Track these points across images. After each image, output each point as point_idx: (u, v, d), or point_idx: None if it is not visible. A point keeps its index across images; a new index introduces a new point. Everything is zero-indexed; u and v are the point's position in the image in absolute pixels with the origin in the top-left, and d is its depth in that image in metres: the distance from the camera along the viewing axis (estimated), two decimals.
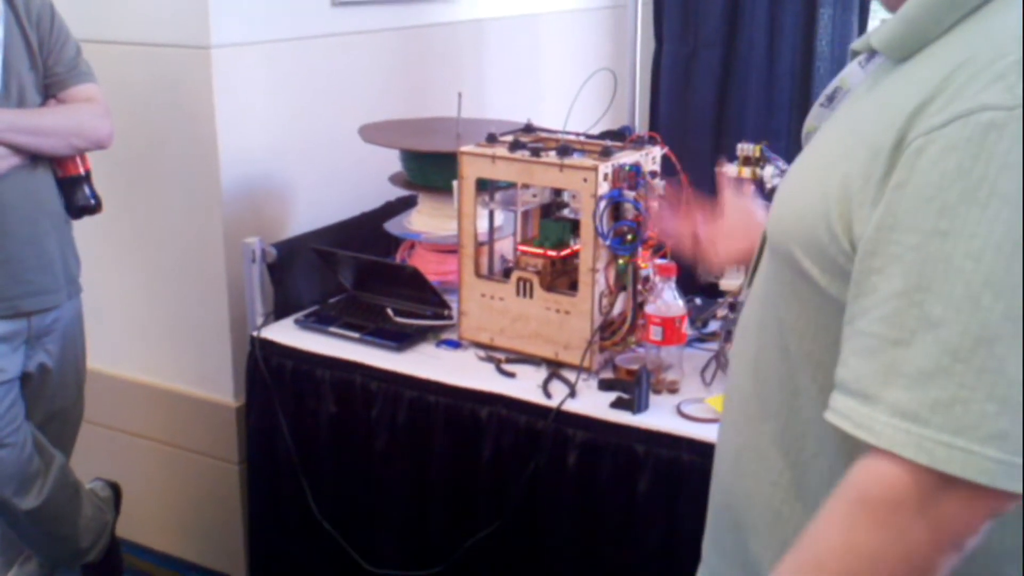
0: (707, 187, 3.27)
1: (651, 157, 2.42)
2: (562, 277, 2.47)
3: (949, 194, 0.95)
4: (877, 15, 3.93)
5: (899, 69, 1.11)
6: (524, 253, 2.48)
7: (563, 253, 2.46)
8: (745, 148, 2.43)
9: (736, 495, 1.32)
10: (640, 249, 2.35)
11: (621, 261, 2.36)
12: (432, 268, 2.77)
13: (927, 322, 0.95)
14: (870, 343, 1.00)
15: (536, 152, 2.37)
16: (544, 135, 2.55)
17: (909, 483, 0.96)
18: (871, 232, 1.01)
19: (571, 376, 2.35)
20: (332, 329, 2.65)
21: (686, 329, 2.33)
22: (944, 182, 0.95)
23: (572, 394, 2.29)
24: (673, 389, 2.31)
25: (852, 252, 1.04)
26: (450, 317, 2.63)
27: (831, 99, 1.32)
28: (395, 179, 2.95)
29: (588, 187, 2.28)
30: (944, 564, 0.98)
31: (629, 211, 2.32)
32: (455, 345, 2.57)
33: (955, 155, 0.95)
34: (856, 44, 1.26)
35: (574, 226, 2.48)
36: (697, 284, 2.59)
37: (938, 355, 0.94)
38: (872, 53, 1.22)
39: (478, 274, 2.51)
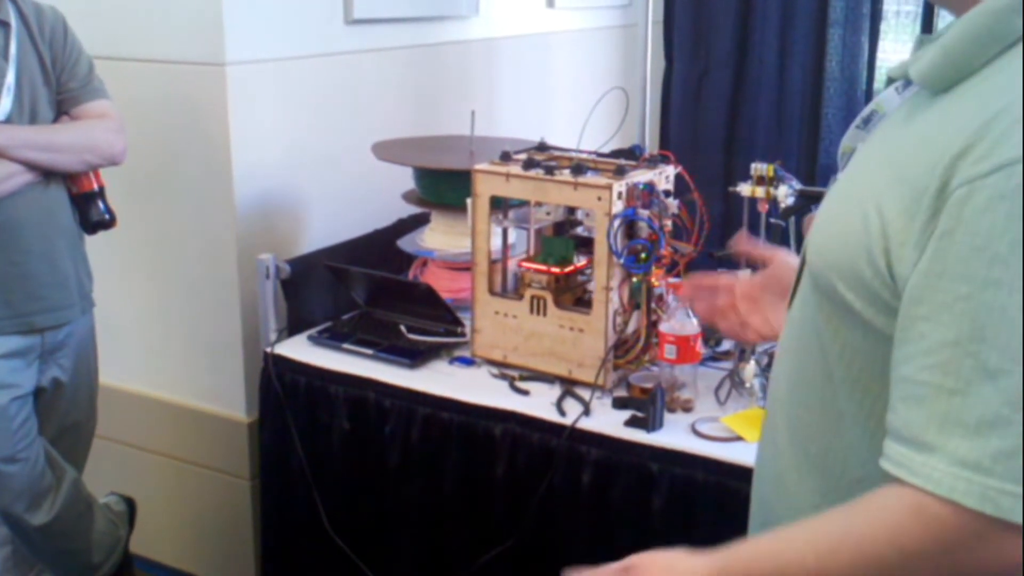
0: (717, 205, 3.30)
1: (664, 176, 2.42)
2: (566, 293, 2.48)
3: (1000, 244, 0.95)
4: (887, 36, 3.94)
5: (938, 101, 1.10)
6: (528, 270, 2.48)
7: (567, 270, 2.47)
8: (759, 168, 2.44)
9: (778, 516, 1.31)
10: (654, 267, 2.35)
11: (635, 279, 2.37)
12: (445, 285, 2.78)
13: (984, 372, 0.96)
14: (921, 391, 1.01)
15: (550, 170, 2.38)
16: (558, 153, 2.56)
17: (966, 526, 0.98)
18: (918, 279, 1.01)
19: (585, 394, 2.35)
20: (345, 345, 2.65)
21: (700, 348, 2.33)
22: (995, 232, 0.96)
23: (586, 412, 2.29)
24: (687, 408, 2.31)
25: (894, 285, 1.05)
26: (463, 334, 2.63)
27: (867, 121, 1.32)
28: (408, 196, 2.96)
29: (602, 205, 2.29)
30: None
31: (643, 229, 2.33)
32: (468, 362, 2.57)
33: (1004, 205, 0.95)
34: (893, 71, 1.25)
35: (578, 243, 2.49)
36: None
37: (998, 405, 0.95)
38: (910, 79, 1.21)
39: (491, 292, 2.52)
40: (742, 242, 1.75)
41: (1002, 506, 0.95)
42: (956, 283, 0.98)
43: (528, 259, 2.52)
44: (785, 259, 1.67)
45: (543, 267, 2.46)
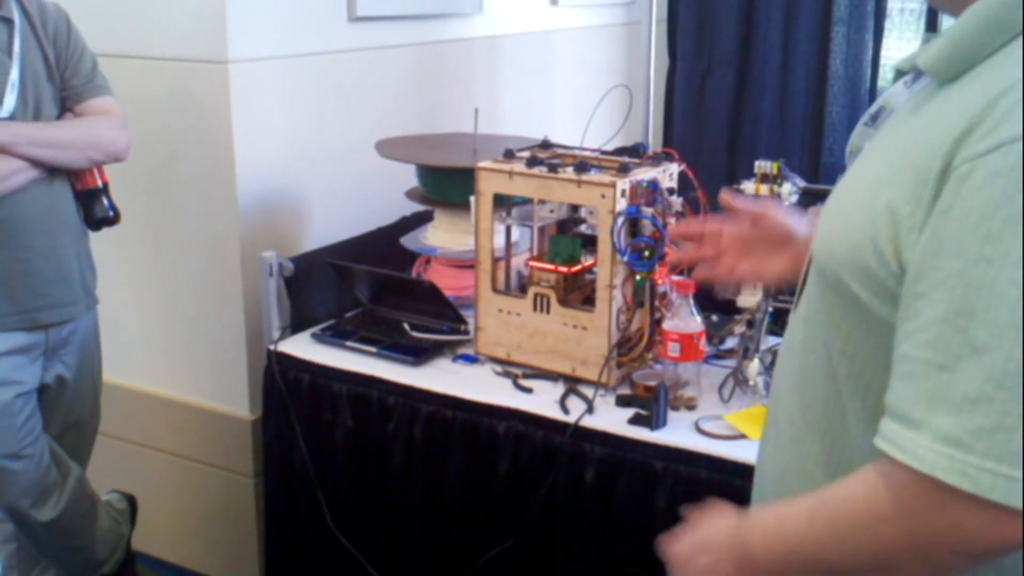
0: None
1: (668, 174, 2.42)
2: (574, 292, 2.47)
3: (993, 221, 0.95)
4: (891, 34, 3.94)
5: (945, 91, 1.11)
6: (536, 269, 2.48)
7: (575, 269, 2.46)
8: (763, 165, 2.43)
9: None
10: (657, 265, 2.35)
11: (639, 277, 2.36)
12: (448, 283, 2.78)
13: (970, 348, 0.96)
14: (914, 367, 1.01)
15: (554, 168, 2.37)
16: (561, 151, 2.56)
17: (945, 502, 0.98)
18: (917, 256, 1.01)
19: (588, 392, 2.35)
20: (349, 343, 2.65)
21: (703, 346, 2.33)
22: (989, 209, 0.96)
23: (590, 410, 2.29)
24: (691, 406, 2.31)
25: (902, 275, 1.05)
26: (467, 332, 2.63)
27: (875, 118, 1.31)
28: (411, 194, 2.96)
29: (606, 203, 2.28)
30: (957, 567, 1.02)
31: (647, 227, 2.32)
32: (472, 360, 2.57)
33: (999, 182, 0.95)
34: (901, 64, 1.25)
35: (585, 241, 2.49)
36: (715, 301, 2.59)
37: (981, 382, 0.95)
38: (918, 73, 1.22)
39: (495, 289, 2.52)
40: (727, 198, 1.72)
41: (980, 483, 0.95)
42: (950, 259, 0.98)
43: (535, 258, 2.52)
44: (775, 213, 1.64)
45: (551, 266, 2.46)
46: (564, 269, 2.45)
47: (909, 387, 1.01)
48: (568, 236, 2.53)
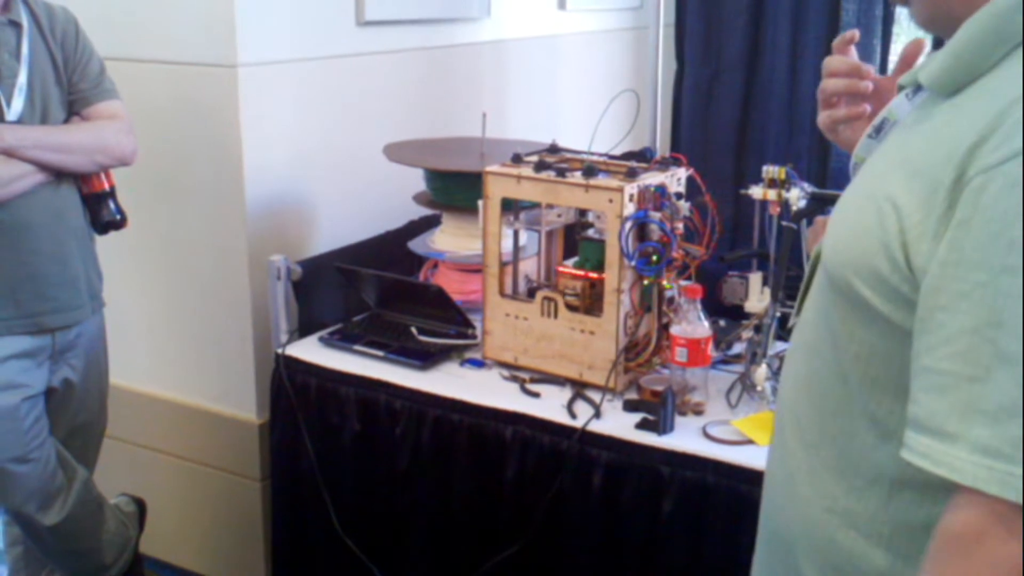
0: (728, 208, 3.29)
1: (676, 178, 2.42)
2: (601, 299, 2.46)
3: (1015, 230, 0.96)
4: (900, 39, 3.93)
5: (950, 102, 1.11)
6: (564, 274, 2.47)
7: (604, 275, 2.46)
8: (770, 170, 2.43)
9: (788, 521, 1.31)
10: (665, 270, 2.35)
11: (646, 282, 2.36)
12: (455, 287, 2.78)
13: (1002, 358, 0.96)
14: (942, 380, 1.00)
15: (562, 172, 2.37)
16: (569, 155, 2.56)
17: (992, 516, 0.97)
18: (935, 269, 1.02)
19: (596, 396, 2.34)
20: (356, 347, 2.65)
21: (711, 351, 2.33)
22: (1009, 218, 0.96)
23: (597, 414, 2.29)
24: (698, 411, 2.30)
25: (913, 278, 1.05)
26: (474, 336, 2.63)
27: (878, 130, 1.31)
28: (419, 198, 2.96)
29: (614, 208, 2.28)
30: None
31: (654, 232, 2.32)
32: (479, 364, 2.57)
33: (1018, 192, 0.96)
34: (903, 79, 1.26)
35: None
36: (722, 306, 2.59)
37: (1017, 391, 0.95)
38: (919, 86, 1.22)
39: (502, 294, 2.51)
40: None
41: None
42: (973, 271, 0.98)
43: (564, 264, 2.52)
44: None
45: (580, 272, 2.46)
46: (595, 275, 2.44)
47: (939, 400, 1.01)
48: (597, 242, 2.52)
